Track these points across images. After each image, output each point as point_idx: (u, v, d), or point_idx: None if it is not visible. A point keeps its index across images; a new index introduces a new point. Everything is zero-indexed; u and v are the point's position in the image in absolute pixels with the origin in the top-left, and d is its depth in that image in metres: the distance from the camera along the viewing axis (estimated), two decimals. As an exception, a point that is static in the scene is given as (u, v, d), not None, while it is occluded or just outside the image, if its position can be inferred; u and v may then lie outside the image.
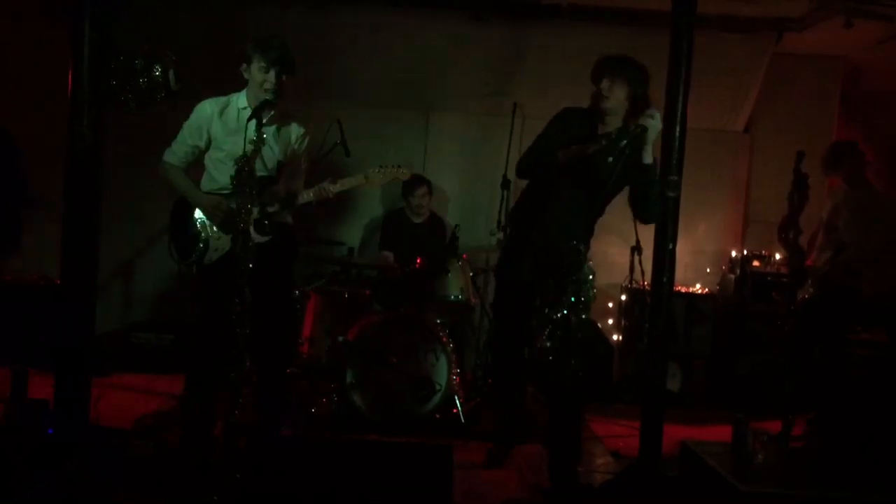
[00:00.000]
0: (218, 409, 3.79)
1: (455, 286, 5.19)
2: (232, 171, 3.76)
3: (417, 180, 5.90)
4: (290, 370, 5.23)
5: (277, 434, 4.01)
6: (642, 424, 3.46)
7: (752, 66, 6.37)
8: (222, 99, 3.90)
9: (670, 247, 3.34)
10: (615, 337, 6.18)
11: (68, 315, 3.22)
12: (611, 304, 6.39)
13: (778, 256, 6.16)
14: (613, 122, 3.75)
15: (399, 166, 4.18)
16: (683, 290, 6.15)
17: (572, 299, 3.39)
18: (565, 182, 3.81)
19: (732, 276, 6.27)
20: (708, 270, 6.58)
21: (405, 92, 6.50)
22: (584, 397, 4.00)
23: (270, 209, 3.86)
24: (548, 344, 3.43)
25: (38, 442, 3.43)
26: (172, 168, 3.88)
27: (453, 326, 5.32)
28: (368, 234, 6.53)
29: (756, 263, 6.17)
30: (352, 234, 6.47)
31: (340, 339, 4.87)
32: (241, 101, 3.90)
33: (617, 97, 3.71)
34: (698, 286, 6.37)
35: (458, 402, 4.79)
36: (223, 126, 3.85)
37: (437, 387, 4.70)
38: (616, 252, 6.15)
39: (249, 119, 3.63)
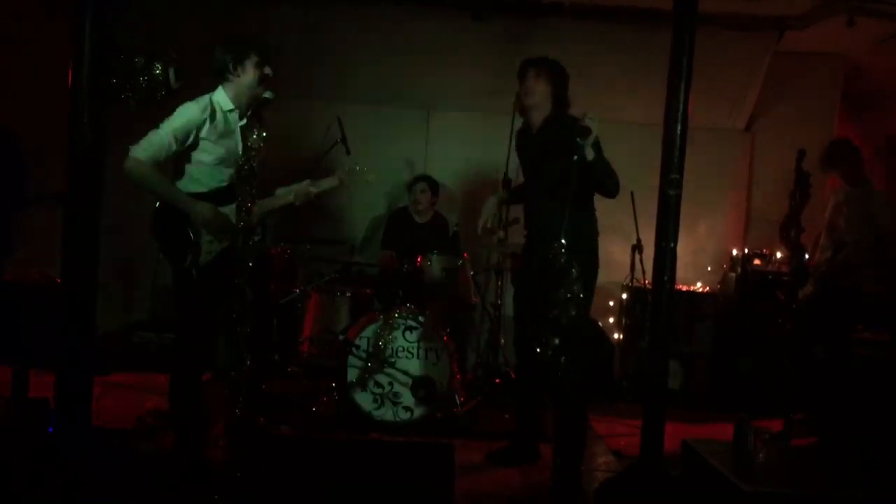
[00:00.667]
0: (219, 409, 3.79)
1: (456, 285, 5.19)
2: (222, 175, 3.76)
3: (419, 176, 5.95)
4: (290, 369, 5.25)
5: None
6: (644, 423, 3.47)
7: (754, 65, 6.36)
8: (203, 101, 3.73)
9: (671, 245, 3.34)
10: (616, 335, 6.18)
11: (69, 314, 3.22)
12: (612, 303, 6.39)
13: (779, 255, 6.16)
14: (537, 118, 4.07)
15: (367, 170, 4.33)
16: (684, 288, 6.15)
17: (563, 298, 3.42)
18: (538, 187, 4.09)
19: (733, 275, 6.26)
20: (709, 269, 6.57)
21: (406, 90, 6.50)
22: (586, 397, 4.01)
23: (265, 208, 3.98)
24: (545, 344, 3.43)
25: (39, 441, 3.43)
26: (147, 166, 3.61)
27: (454, 326, 5.31)
28: (370, 232, 6.53)
29: (757, 262, 6.16)
30: (354, 232, 6.47)
31: (341, 337, 4.86)
32: (224, 103, 3.78)
33: (541, 91, 3.98)
34: (699, 285, 6.37)
35: (458, 401, 4.79)
36: (213, 130, 3.74)
37: (438, 386, 4.70)
38: (617, 250, 6.14)
39: (252, 118, 3.64)
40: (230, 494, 3.30)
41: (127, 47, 3.21)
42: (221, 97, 3.75)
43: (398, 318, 4.79)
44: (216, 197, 3.77)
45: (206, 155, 3.74)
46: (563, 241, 3.42)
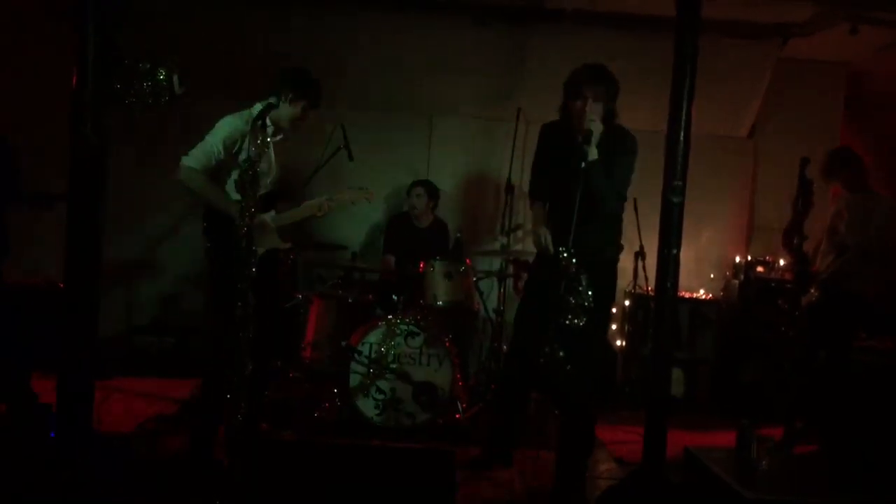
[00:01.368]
0: (221, 413, 3.79)
1: (458, 291, 5.18)
2: (260, 188, 3.93)
3: (416, 181, 5.96)
4: (292, 374, 5.25)
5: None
6: (646, 430, 3.45)
7: (757, 72, 6.36)
8: (245, 114, 3.96)
9: (674, 252, 3.33)
10: (619, 342, 6.17)
11: (71, 318, 3.22)
12: (614, 310, 6.37)
13: (782, 262, 6.15)
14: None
15: (365, 189, 4.58)
16: (687, 295, 6.14)
17: (570, 306, 3.43)
18: (559, 194, 3.89)
19: (736, 282, 6.25)
20: (712, 276, 6.56)
21: (409, 96, 6.51)
22: (594, 406, 4.01)
23: (294, 218, 4.26)
24: (555, 352, 3.44)
25: (41, 445, 3.42)
26: (200, 175, 3.89)
27: (457, 331, 5.31)
28: (371, 239, 6.53)
29: (760, 269, 6.16)
30: (355, 238, 6.47)
31: (343, 343, 4.86)
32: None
33: (597, 116, 3.72)
34: (702, 292, 6.36)
35: (460, 407, 4.78)
36: (252, 144, 3.90)
37: (440, 392, 4.69)
38: (620, 257, 6.14)
39: (255, 122, 3.66)
40: (231, 499, 3.30)
41: (131, 52, 3.22)
42: (260, 112, 3.91)
43: (400, 324, 4.78)
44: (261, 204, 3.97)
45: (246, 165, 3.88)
46: (571, 249, 3.43)
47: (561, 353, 3.45)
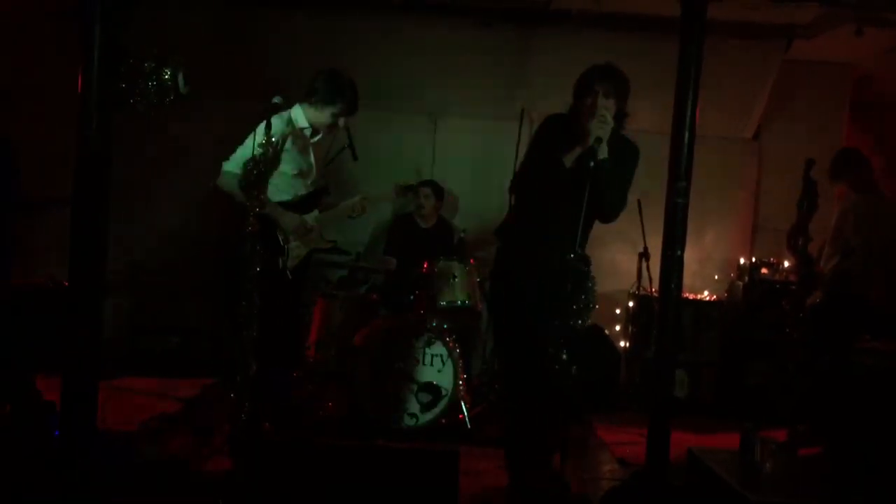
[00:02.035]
0: (223, 414, 3.80)
1: (462, 292, 5.17)
2: (301, 185, 4.12)
3: (425, 182, 5.96)
4: (296, 374, 5.25)
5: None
6: (649, 431, 3.44)
7: (762, 73, 6.35)
8: (284, 116, 4.10)
9: (678, 253, 3.32)
10: (622, 343, 6.16)
11: (75, 318, 3.22)
12: (618, 311, 6.37)
13: (786, 264, 6.14)
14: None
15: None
16: (691, 296, 6.14)
17: (574, 307, 3.42)
18: (562, 192, 3.71)
19: (741, 284, 6.25)
20: (716, 277, 6.56)
21: (413, 97, 6.51)
22: (588, 403, 3.99)
23: (340, 215, 4.52)
24: (556, 353, 3.43)
25: (45, 444, 3.43)
26: (234, 179, 3.93)
27: (460, 332, 5.31)
28: (375, 239, 6.53)
29: (764, 271, 6.15)
30: (359, 237, 6.47)
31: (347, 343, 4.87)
32: (301, 120, 4.23)
33: (610, 115, 3.60)
34: (706, 293, 6.35)
35: (464, 407, 4.78)
36: (294, 143, 4.06)
37: (444, 392, 4.70)
38: (624, 258, 6.14)
39: (264, 121, 3.69)
40: (234, 499, 3.30)
41: (136, 52, 3.22)
42: (299, 115, 4.16)
43: (404, 324, 4.78)
44: (301, 205, 4.25)
45: (287, 166, 4.10)
46: (579, 250, 3.41)
47: (564, 356, 3.44)
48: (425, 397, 4.68)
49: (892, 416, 4.17)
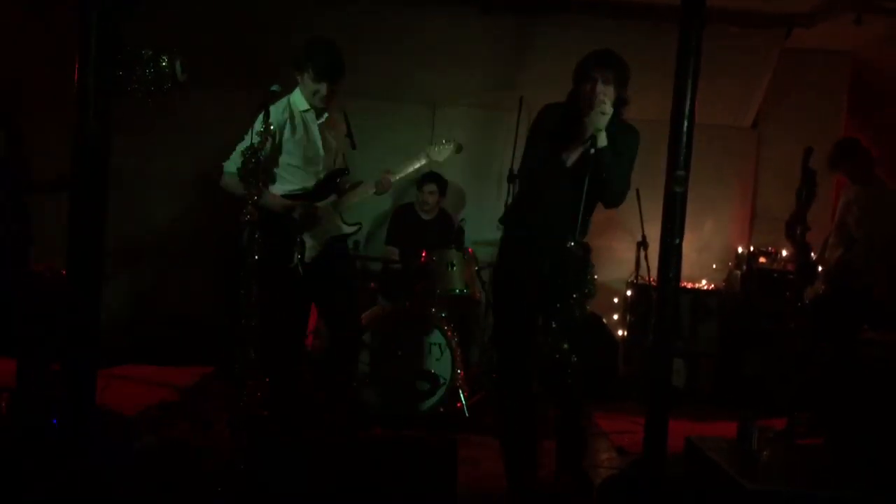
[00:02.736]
0: (221, 402, 3.81)
1: (460, 280, 5.18)
2: (309, 173, 3.96)
3: (429, 176, 5.93)
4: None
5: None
6: (647, 420, 3.45)
7: (761, 62, 6.34)
8: (282, 102, 3.99)
9: (677, 242, 3.32)
10: (620, 332, 6.17)
11: (74, 306, 3.22)
12: (616, 300, 6.38)
13: (785, 253, 6.14)
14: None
15: (454, 140, 4.63)
16: (689, 286, 6.14)
17: (574, 296, 3.42)
18: (563, 181, 3.68)
19: (739, 273, 6.25)
20: (714, 266, 6.56)
21: (411, 85, 6.49)
22: (587, 392, 3.97)
23: (355, 200, 4.30)
24: (556, 341, 3.44)
25: (44, 433, 3.43)
26: (234, 178, 3.87)
27: (458, 321, 5.31)
28: (376, 228, 6.52)
29: (762, 260, 6.15)
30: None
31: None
32: (300, 103, 4.06)
33: (610, 103, 3.58)
34: (704, 282, 6.36)
35: (462, 396, 4.79)
36: (293, 131, 3.99)
37: (442, 381, 4.71)
38: (622, 247, 6.14)
39: (259, 110, 3.68)
40: (233, 486, 3.31)
41: (133, 39, 3.21)
42: (298, 98, 4.05)
43: (403, 313, 4.79)
44: (315, 193, 3.97)
45: (289, 156, 3.98)
46: (579, 237, 3.41)
47: (565, 345, 3.44)
48: (424, 386, 4.69)
49: (891, 405, 4.18)
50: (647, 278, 5.84)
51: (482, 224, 6.31)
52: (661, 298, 3.38)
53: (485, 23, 6.10)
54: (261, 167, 3.56)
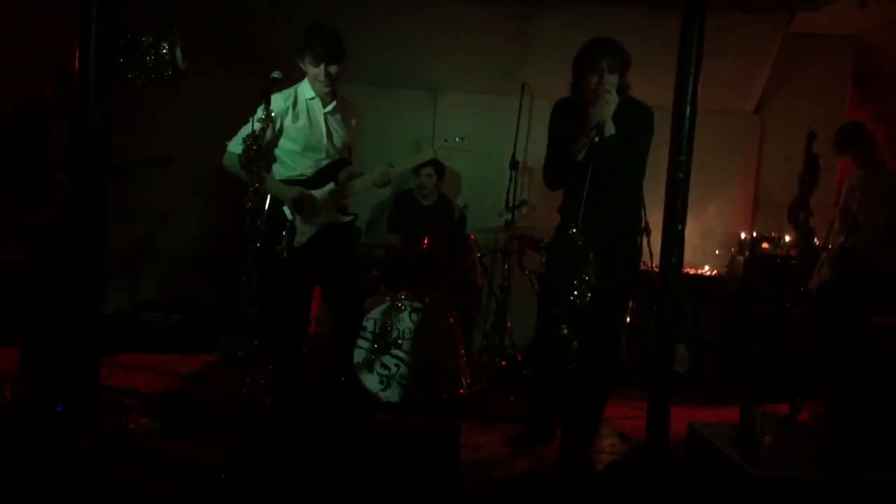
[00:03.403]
0: (224, 390, 3.82)
1: (463, 267, 5.18)
2: (310, 161, 4.00)
3: (427, 161, 5.92)
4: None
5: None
6: (649, 405, 3.45)
7: (764, 47, 6.31)
8: (289, 91, 4.04)
9: (679, 228, 3.31)
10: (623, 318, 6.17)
11: (76, 294, 3.22)
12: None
13: (788, 238, 6.13)
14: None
15: (463, 139, 4.50)
16: (692, 271, 6.14)
17: (575, 282, 3.42)
18: (577, 172, 3.74)
19: (741, 258, 6.24)
20: (717, 252, 6.55)
21: (413, 72, 6.48)
22: (603, 380, 3.99)
23: (353, 191, 4.23)
24: (560, 328, 3.45)
25: (47, 420, 3.44)
26: (236, 157, 3.88)
27: (460, 308, 5.31)
28: (376, 215, 6.52)
29: (765, 245, 6.14)
30: (360, 214, 6.44)
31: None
32: (307, 91, 4.09)
33: (614, 91, 3.65)
34: (707, 268, 6.35)
35: (464, 383, 4.80)
36: (296, 119, 4.01)
37: (444, 368, 4.71)
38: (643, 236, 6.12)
39: (261, 97, 3.68)
40: (235, 472, 3.32)
41: (133, 26, 3.20)
42: (305, 86, 4.13)
43: (405, 299, 4.79)
44: (313, 180, 3.98)
45: (291, 142, 4.02)
46: (580, 225, 3.41)
47: (565, 331, 3.45)
48: (426, 373, 4.69)
49: (892, 389, 4.18)
50: (649, 264, 5.82)
51: (484, 211, 6.30)
52: (663, 284, 3.38)
53: (486, 8, 6.07)
54: (262, 154, 3.56)
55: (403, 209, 5.98)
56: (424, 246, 5.19)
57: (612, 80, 3.66)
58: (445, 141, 4.47)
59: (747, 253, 6.20)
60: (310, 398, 4.67)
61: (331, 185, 4.21)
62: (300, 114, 4.09)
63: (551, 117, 4.00)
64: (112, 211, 3.32)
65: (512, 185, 5.80)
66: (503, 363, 5.53)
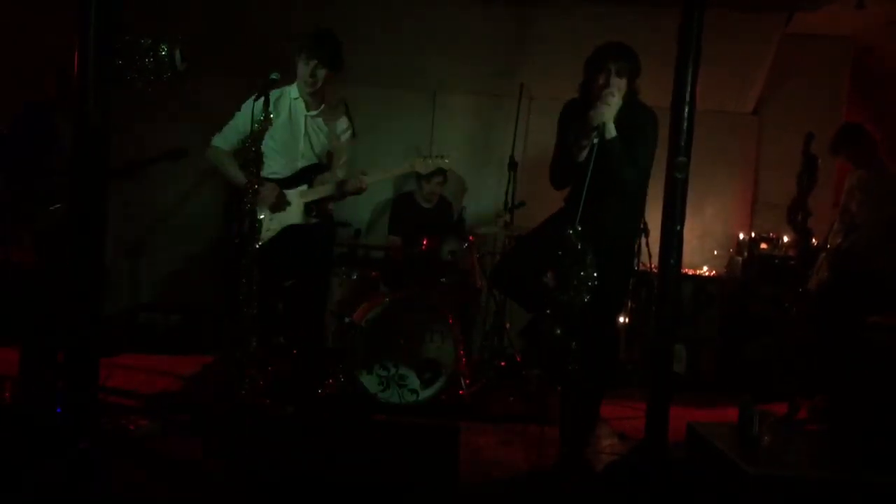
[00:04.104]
0: (223, 391, 3.82)
1: (461, 268, 5.18)
2: (284, 160, 4.02)
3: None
4: (296, 350, 5.26)
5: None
6: (649, 405, 3.46)
7: (762, 47, 6.32)
8: (277, 91, 4.04)
9: (678, 228, 3.32)
10: (622, 319, 6.16)
11: (75, 295, 3.23)
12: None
13: (786, 239, 6.14)
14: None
15: (442, 156, 4.50)
16: (691, 272, 6.14)
17: (574, 282, 3.42)
18: (578, 173, 3.73)
19: (740, 259, 6.25)
20: (715, 253, 6.56)
21: (412, 72, 6.48)
22: (600, 382, 3.99)
23: (317, 196, 4.19)
24: (556, 329, 3.45)
25: (47, 421, 3.44)
26: (222, 152, 4.07)
27: (460, 308, 5.31)
28: (376, 216, 6.52)
29: (764, 246, 6.15)
30: (360, 215, 6.46)
31: (347, 319, 4.87)
32: (293, 91, 4.13)
33: (621, 95, 3.67)
34: (706, 268, 6.36)
35: (464, 383, 4.80)
36: (277, 116, 3.99)
37: (444, 368, 4.71)
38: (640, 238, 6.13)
39: (257, 98, 3.69)
40: (233, 473, 3.32)
41: (132, 28, 3.20)
42: (294, 87, 4.08)
43: (404, 300, 4.79)
44: (283, 181, 3.99)
45: (270, 139, 3.97)
46: (578, 226, 3.41)
47: (560, 331, 3.45)
48: (425, 374, 4.69)
49: (891, 388, 4.19)
50: (648, 265, 5.84)
51: (483, 212, 6.30)
52: (662, 285, 3.39)
53: (485, 9, 6.08)
54: (261, 156, 3.57)
55: (403, 211, 5.98)
56: (424, 247, 5.19)
57: (618, 83, 3.67)
58: (425, 157, 4.49)
59: (746, 253, 6.21)
60: (309, 399, 4.68)
61: (303, 187, 4.24)
62: (282, 111, 4.11)
63: (560, 117, 3.99)
64: (110, 211, 3.33)
65: (510, 185, 5.81)
66: (502, 364, 5.53)
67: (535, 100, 5.92)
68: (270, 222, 4.15)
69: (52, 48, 3.95)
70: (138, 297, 6.39)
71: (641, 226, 5.72)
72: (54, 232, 4.17)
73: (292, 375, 4.22)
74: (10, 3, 5.88)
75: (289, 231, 4.26)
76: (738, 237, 6.47)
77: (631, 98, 3.75)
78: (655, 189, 3.68)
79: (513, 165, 5.83)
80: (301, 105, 4.11)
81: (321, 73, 4.03)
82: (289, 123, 4.11)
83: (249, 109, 3.96)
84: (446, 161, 4.42)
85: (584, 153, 3.63)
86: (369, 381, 4.68)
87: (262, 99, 3.63)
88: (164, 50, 3.32)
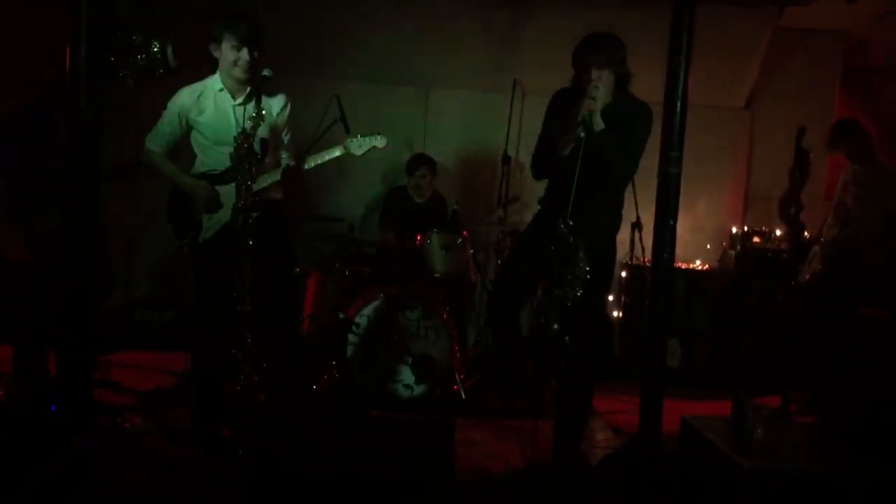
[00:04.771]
0: (223, 387, 3.82)
1: (455, 263, 5.18)
2: (222, 155, 3.85)
3: (419, 159, 5.91)
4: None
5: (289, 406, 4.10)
6: (642, 399, 3.46)
7: (754, 41, 6.33)
8: (197, 85, 3.88)
9: (671, 223, 3.32)
10: (616, 313, 6.19)
11: (69, 292, 3.22)
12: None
13: (779, 232, 6.16)
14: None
15: (378, 134, 4.17)
16: (684, 266, 6.16)
17: (567, 277, 3.43)
18: (564, 165, 3.72)
19: (733, 253, 6.27)
20: (708, 247, 6.58)
21: (405, 68, 6.47)
22: (591, 375, 4.00)
23: (258, 186, 3.79)
24: (551, 323, 3.45)
25: (42, 419, 3.44)
26: (154, 154, 3.93)
27: (454, 304, 5.32)
28: (369, 211, 6.52)
29: (757, 240, 6.17)
30: (353, 210, 6.46)
31: (341, 316, 4.87)
32: (215, 84, 3.87)
33: (607, 86, 3.68)
34: (699, 262, 6.38)
35: (458, 379, 4.81)
36: (201, 112, 3.86)
37: (438, 364, 4.71)
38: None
39: (248, 99, 3.66)
40: (230, 470, 3.32)
41: (125, 25, 3.20)
42: (214, 79, 3.90)
43: (398, 296, 4.79)
44: (221, 176, 3.88)
45: (201, 136, 3.89)
46: (570, 221, 3.42)
47: (556, 326, 3.46)
48: (420, 369, 4.70)
49: (885, 382, 4.20)
50: (641, 259, 5.85)
51: (476, 207, 6.31)
52: (655, 279, 3.39)
53: (479, 5, 6.07)
54: (254, 152, 3.55)
55: (396, 206, 5.97)
56: (417, 242, 5.19)
57: (599, 74, 3.66)
58: (358, 136, 4.24)
59: (738, 247, 6.23)
60: (304, 395, 4.68)
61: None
62: (206, 107, 3.86)
63: (548, 106, 3.97)
64: (104, 208, 3.33)
65: (504, 180, 5.81)
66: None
67: (528, 95, 5.92)
68: (209, 221, 3.94)
69: (52, 48, 3.93)
70: (133, 294, 6.37)
71: (635, 219, 5.75)
72: (51, 232, 4.16)
73: (280, 374, 4.15)
74: (10, 3, 5.84)
75: (230, 228, 3.83)
76: (730, 231, 6.49)
77: (621, 86, 3.75)
78: (648, 184, 3.69)
79: (506, 160, 5.84)
80: (226, 95, 3.86)
81: (255, 56, 3.77)
82: (216, 116, 3.86)
83: (175, 109, 3.85)
84: (379, 138, 4.20)
85: (568, 148, 3.63)
86: (364, 378, 4.69)
87: (254, 98, 3.58)
88: (156, 47, 3.32)
